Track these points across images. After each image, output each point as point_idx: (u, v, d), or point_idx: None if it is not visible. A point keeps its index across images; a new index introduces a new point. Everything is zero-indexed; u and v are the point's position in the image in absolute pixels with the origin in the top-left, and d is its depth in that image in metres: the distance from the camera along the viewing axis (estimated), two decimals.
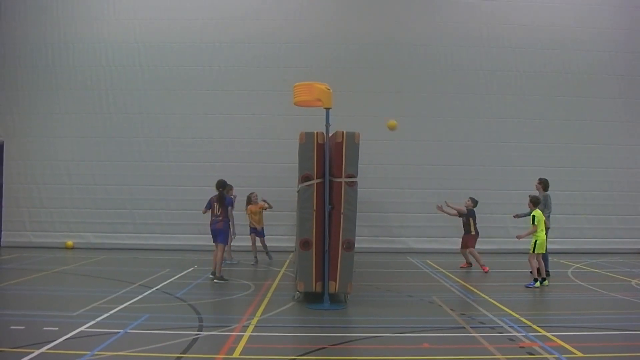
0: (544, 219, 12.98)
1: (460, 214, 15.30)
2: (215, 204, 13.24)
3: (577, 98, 19.53)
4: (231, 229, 13.76)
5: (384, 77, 19.28)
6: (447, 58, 19.46)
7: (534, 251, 12.72)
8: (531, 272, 12.88)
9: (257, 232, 16.14)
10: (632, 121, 19.69)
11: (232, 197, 15.60)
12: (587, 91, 19.56)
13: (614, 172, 19.48)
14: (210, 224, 13.36)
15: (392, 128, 11.99)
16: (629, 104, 19.74)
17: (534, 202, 13.12)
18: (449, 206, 15.43)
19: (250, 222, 16.15)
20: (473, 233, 15.12)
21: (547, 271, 13.99)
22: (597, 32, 19.69)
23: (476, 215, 15.23)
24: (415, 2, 19.76)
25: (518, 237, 13.07)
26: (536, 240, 12.73)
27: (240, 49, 19.25)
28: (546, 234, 13.35)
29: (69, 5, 19.59)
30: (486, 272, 14.49)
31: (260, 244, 16.24)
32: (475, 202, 15.39)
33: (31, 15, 19.57)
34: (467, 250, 15.17)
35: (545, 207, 13.96)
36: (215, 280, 12.92)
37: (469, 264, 15.32)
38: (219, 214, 13.16)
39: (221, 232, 13.17)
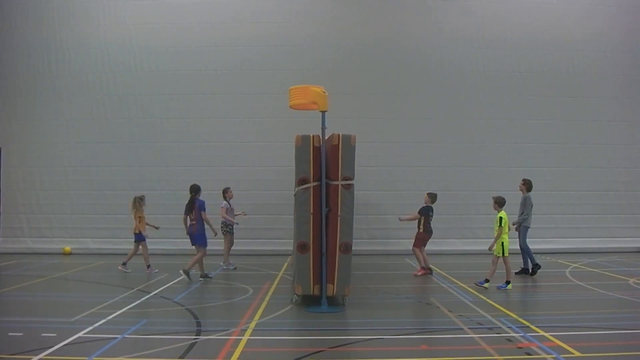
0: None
1: (415, 218, 14.91)
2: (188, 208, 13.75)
3: (575, 98, 19.58)
4: (212, 229, 14.08)
5: (380, 80, 19.30)
6: (444, 60, 19.48)
7: (503, 253, 12.51)
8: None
9: (141, 237, 15.07)
10: (629, 121, 19.74)
11: (228, 200, 15.68)
12: (584, 91, 19.60)
13: (611, 172, 19.52)
14: (187, 228, 13.77)
15: None
16: (626, 103, 19.78)
17: (499, 203, 12.79)
18: (404, 219, 15.14)
19: (135, 227, 15.05)
20: (421, 231, 14.67)
21: (535, 265, 14.01)
22: (595, 33, 19.72)
23: (431, 212, 14.71)
24: (411, 4, 19.77)
25: (490, 248, 12.77)
26: (503, 242, 12.53)
27: (236, 52, 19.25)
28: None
29: (67, 11, 19.58)
30: (415, 276, 14.42)
31: (141, 249, 15.12)
32: (433, 197, 14.83)
33: (29, 20, 19.56)
34: (413, 249, 14.81)
35: (525, 208, 14.16)
36: (200, 278, 13.53)
37: (425, 270, 14.60)
38: (192, 217, 13.62)
39: (195, 236, 13.63)
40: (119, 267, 14.91)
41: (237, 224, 15.84)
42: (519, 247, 14.38)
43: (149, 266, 14.92)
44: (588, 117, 19.55)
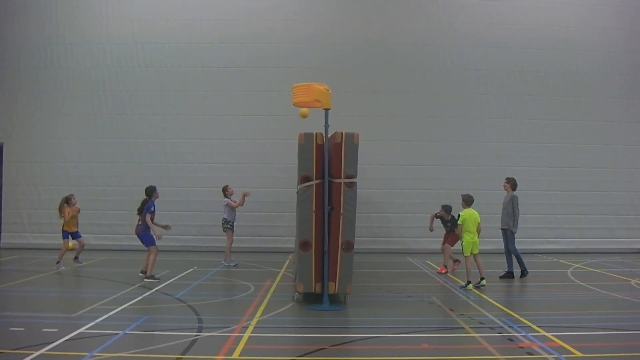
0: (476, 220, 12.54)
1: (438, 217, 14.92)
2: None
3: (577, 98, 19.55)
4: (155, 230, 13.63)
5: (383, 78, 19.29)
6: (446, 58, 19.48)
7: (464, 253, 12.47)
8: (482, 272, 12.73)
9: (75, 234, 15.50)
10: (631, 121, 19.71)
11: (230, 197, 15.68)
12: (586, 91, 19.58)
13: (614, 172, 19.50)
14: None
15: (304, 115, 12.06)
16: (629, 103, 19.76)
17: (466, 201, 12.68)
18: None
19: (65, 225, 15.28)
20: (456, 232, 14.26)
21: (512, 271, 13.78)
22: (597, 32, 19.72)
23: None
24: (414, 2, 19.76)
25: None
26: (463, 242, 12.48)
27: (239, 49, 19.26)
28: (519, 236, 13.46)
29: (69, 7, 19.60)
30: (439, 273, 14.53)
31: (77, 245, 15.71)
32: (447, 210, 14.84)
33: (31, 16, 19.58)
34: (444, 246, 14.78)
35: (514, 209, 13.69)
36: (145, 279, 13.12)
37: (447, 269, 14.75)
38: (140, 217, 13.56)
39: (141, 236, 13.54)
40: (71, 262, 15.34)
41: (226, 223, 15.80)
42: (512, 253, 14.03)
43: (58, 262, 14.96)
44: (591, 117, 19.53)
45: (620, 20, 19.83)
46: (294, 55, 19.14)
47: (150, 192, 13.77)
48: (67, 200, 15.40)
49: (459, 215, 12.56)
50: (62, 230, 15.33)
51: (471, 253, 12.53)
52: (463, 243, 12.48)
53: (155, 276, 13.45)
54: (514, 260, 13.90)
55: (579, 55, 19.66)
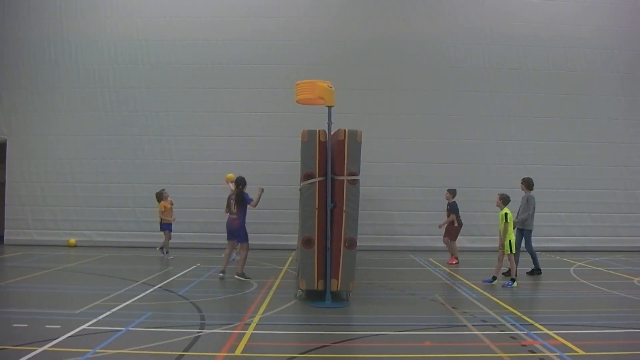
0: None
1: (453, 221, 15.80)
2: (233, 202, 12.91)
3: (580, 95, 19.51)
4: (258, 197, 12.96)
5: (387, 75, 19.28)
6: (449, 55, 19.45)
7: (511, 251, 12.45)
8: (508, 270, 13.00)
9: (168, 226, 16.50)
10: (636, 119, 19.66)
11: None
12: (589, 89, 19.54)
13: (617, 170, 19.47)
14: (227, 223, 13.01)
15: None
16: (632, 101, 19.71)
17: (504, 201, 12.68)
18: (443, 225, 16.06)
19: (162, 219, 16.39)
20: (455, 225, 15.72)
21: (538, 270, 13.92)
22: (598, 29, 19.68)
23: (458, 206, 15.88)
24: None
25: (501, 246, 12.63)
26: (510, 240, 12.45)
27: (242, 46, 19.25)
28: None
29: (71, 3, 19.60)
30: (450, 264, 15.48)
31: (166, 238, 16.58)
32: (454, 193, 15.97)
33: (33, 13, 19.59)
34: (446, 240, 15.95)
35: (527, 208, 13.64)
36: (236, 276, 12.65)
37: (457, 260, 15.86)
38: (235, 211, 12.84)
39: (237, 231, 12.83)
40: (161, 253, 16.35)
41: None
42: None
43: (167, 252, 16.43)
44: (594, 115, 19.49)
45: (621, 17, 19.72)
46: (297, 53, 19.13)
47: (245, 182, 12.92)
48: (159, 196, 16.28)
49: (505, 214, 12.46)
50: (161, 223, 16.43)
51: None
52: (513, 241, 12.51)
53: (246, 274, 12.86)
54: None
55: (587, 52, 19.60)
